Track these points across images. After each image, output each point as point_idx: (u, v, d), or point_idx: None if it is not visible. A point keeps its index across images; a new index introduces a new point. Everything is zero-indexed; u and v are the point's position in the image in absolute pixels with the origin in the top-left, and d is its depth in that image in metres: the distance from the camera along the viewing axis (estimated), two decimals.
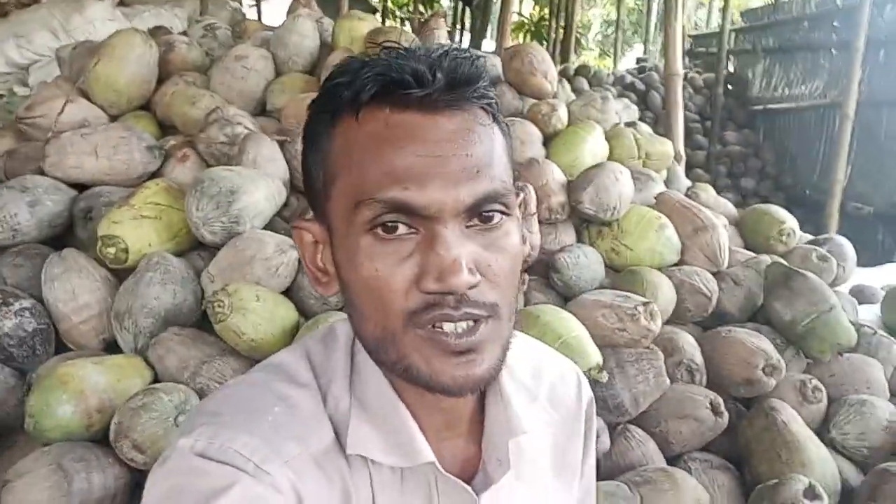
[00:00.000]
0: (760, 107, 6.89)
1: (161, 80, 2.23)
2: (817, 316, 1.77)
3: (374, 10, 8.21)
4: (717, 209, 2.38)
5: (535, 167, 1.97)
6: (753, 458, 1.52)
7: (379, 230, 0.56)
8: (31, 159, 1.79)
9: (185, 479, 0.54)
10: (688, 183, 2.73)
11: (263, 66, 2.21)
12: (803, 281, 1.82)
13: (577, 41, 8.81)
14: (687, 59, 8.08)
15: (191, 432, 0.57)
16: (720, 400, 1.56)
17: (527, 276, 1.85)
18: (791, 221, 2.28)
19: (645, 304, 1.60)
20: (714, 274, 1.96)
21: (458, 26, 8.21)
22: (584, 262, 1.81)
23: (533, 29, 9.10)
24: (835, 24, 6.00)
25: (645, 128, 2.64)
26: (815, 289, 1.81)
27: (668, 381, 1.54)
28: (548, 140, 2.23)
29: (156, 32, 5.05)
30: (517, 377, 0.68)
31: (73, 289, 1.52)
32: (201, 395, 1.36)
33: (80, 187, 1.76)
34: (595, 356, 1.48)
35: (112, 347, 1.55)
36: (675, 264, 1.98)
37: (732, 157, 6.63)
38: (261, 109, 2.22)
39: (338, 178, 0.59)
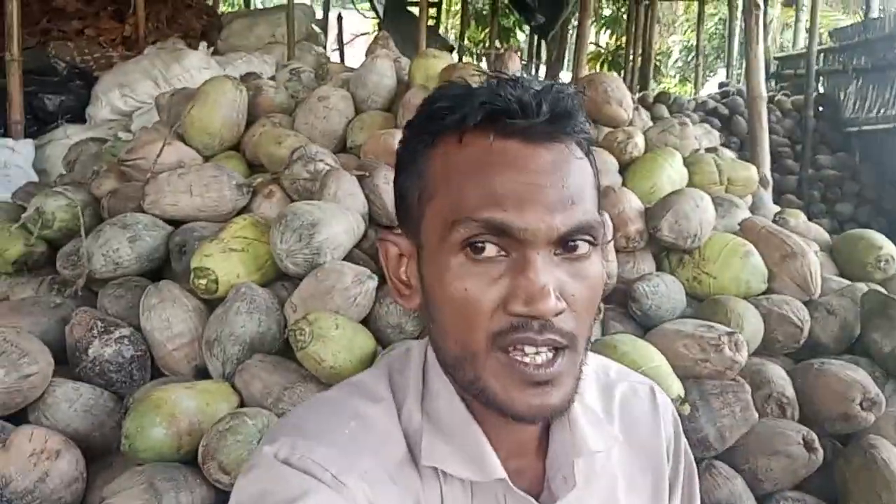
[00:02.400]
0: (855, 128, 6.56)
1: (250, 122, 2.36)
2: None
3: (450, 48, 8.41)
4: (807, 235, 2.27)
5: (612, 195, 1.95)
6: (851, 498, 1.42)
7: (471, 250, 0.58)
8: (132, 198, 1.93)
9: (269, 485, 0.57)
10: (775, 209, 2.63)
11: (344, 106, 2.30)
12: None
13: (657, 68, 8.70)
14: (773, 82, 7.80)
15: (274, 441, 0.60)
16: (814, 435, 1.47)
17: (603, 306, 1.82)
18: (889, 247, 2.15)
19: (730, 333, 1.54)
20: (806, 303, 1.87)
21: (535, 59, 8.27)
22: (664, 291, 1.77)
23: (610, 59, 9.06)
24: None
25: (727, 153, 2.57)
26: None
27: (756, 414, 1.47)
28: (624, 168, 2.21)
29: (247, 78, 5.37)
30: (584, 396, 0.68)
31: (168, 318, 1.61)
32: None
33: (176, 223, 1.88)
34: (676, 388, 1.44)
35: (202, 373, 1.63)
36: (763, 293, 1.90)
37: (827, 181, 6.30)
38: (342, 146, 2.31)
39: (435, 197, 0.61)
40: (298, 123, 2.28)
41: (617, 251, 1.88)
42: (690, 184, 2.22)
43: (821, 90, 7.20)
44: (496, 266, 0.58)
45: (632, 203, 1.94)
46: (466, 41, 9.07)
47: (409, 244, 0.65)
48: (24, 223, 1.88)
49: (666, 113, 6.77)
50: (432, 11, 8.43)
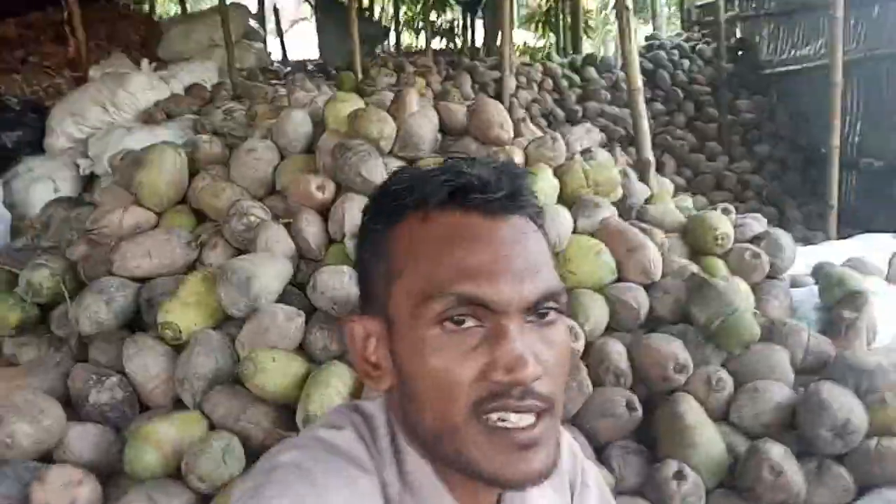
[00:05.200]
0: (770, 70, 7.01)
1: (193, 173, 2.78)
2: (723, 319, 2.17)
3: (385, 32, 8.64)
4: (662, 220, 2.75)
5: None
6: (659, 443, 1.96)
7: (447, 323, 0.60)
8: (102, 262, 2.37)
9: None
10: (647, 192, 3.10)
11: (270, 155, 2.72)
12: (710, 289, 2.22)
13: (588, 26, 9.03)
14: (697, 29, 8.19)
15: None
16: (635, 400, 2.00)
17: None
18: (725, 227, 2.64)
19: (570, 327, 2.05)
20: (648, 286, 2.38)
21: (468, 31, 8.54)
22: None
23: (543, 19, 9.37)
24: None
25: (601, 155, 3.02)
26: (721, 295, 2.20)
27: (590, 388, 1.99)
28: None
29: (192, 90, 5.67)
30: None
31: (146, 363, 2.08)
32: (241, 435, 1.89)
33: (142, 279, 2.33)
34: None
35: (178, 403, 2.11)
36: (616, 280, 2.40)
37: (745, 124, 6.76)
38: (272, 189, 2.74)
39: (403, 275, 0.63)
40: (233, 174, 2.70)
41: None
42: (562, 190, 2.69)
43: (738, 35, 7.62)
44: (473, 337, 0.60)
45: None
46: (402, 17, 9.31)
47: (378, 324, 0.66)
48: (19, 295, 2.31)
49: (595, 74, 7.17)
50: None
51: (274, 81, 6.85)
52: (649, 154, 3.54)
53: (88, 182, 5.23)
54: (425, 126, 2.74)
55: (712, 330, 2.20)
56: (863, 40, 5.67)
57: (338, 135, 2.68)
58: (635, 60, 3.56)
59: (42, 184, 5.01)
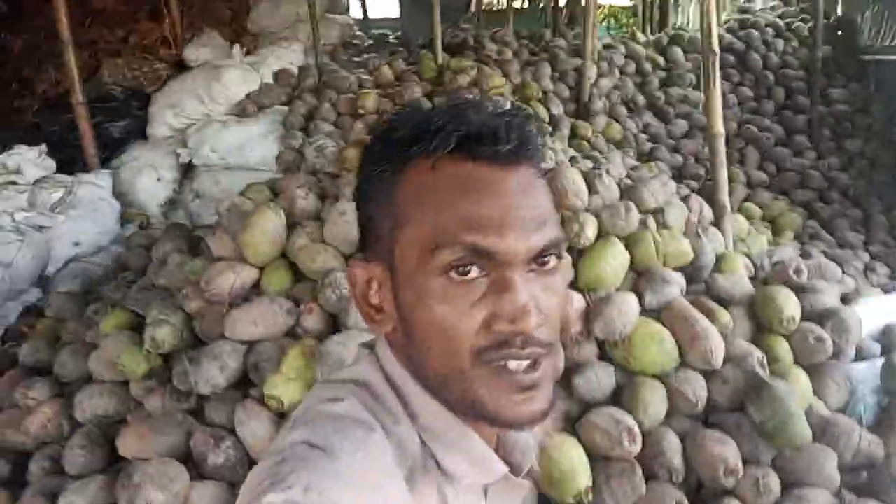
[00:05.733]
0: (869, 57, 6.60)
1: (290, 225, 3.04)
2: (777, 422, 2.31)
3: (467, 4, 8.52)
4: (733, 291, 2.84)
5: None
6: None
7: (453, 273, 0.61)
8: (216, 322, 2.69)
9: None
10: (720, 242, 3.16)
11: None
12: (769, 390, 2.36)
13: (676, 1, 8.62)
14: (796, 2, 7.73)
15: (286, 486, 0.58)
16: (684, 499, 2.20)
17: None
18: (790, 309, 2.71)
19: (629, 429, 2.25)
20: (708, 373, 2.53)
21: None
22: (594, 381, 2.46)
23: None
24: None
25: (673, 214, 3.08)
26: (778, 399, 2.33)
27: (643, 488, 2.20)
28: (578, 253, 2.81)
29: (280, 77, 5.90)
30: None
31: (254, 429, 2.42)
32: None
33: (249, 342, 2.65)
34: (584, 480, 2.17)
35: None
36: (677, 365, 2.56)
37: (837, 116, 6.47)
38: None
39: (410, 223, 0.64)
40: (327, 234, 2.95)
41: (563, 345, 2.55)
42: (632, 262, 2.82)
43: (839, 12, 7.16)
44: (477, 287, 0.62)
45: (574, 305, 2.58)
46: None
47: (380, 270, 0.68)
48: (146, 348, 2.68)
49: (680, 56, 6.96)
50: None
51: (355, 59, 7.00)
52: (725, 199, 3.56)
53: (187, 169, 5.62)
54: None
55: (766, 429, 2.35)
56: None
57: None
58: (718, 105, 3.50)
59: (146, 172, 5.44)
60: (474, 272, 0.62)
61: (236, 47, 6.17)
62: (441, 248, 0.62)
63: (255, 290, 2.86)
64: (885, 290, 4.17)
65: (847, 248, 5.16)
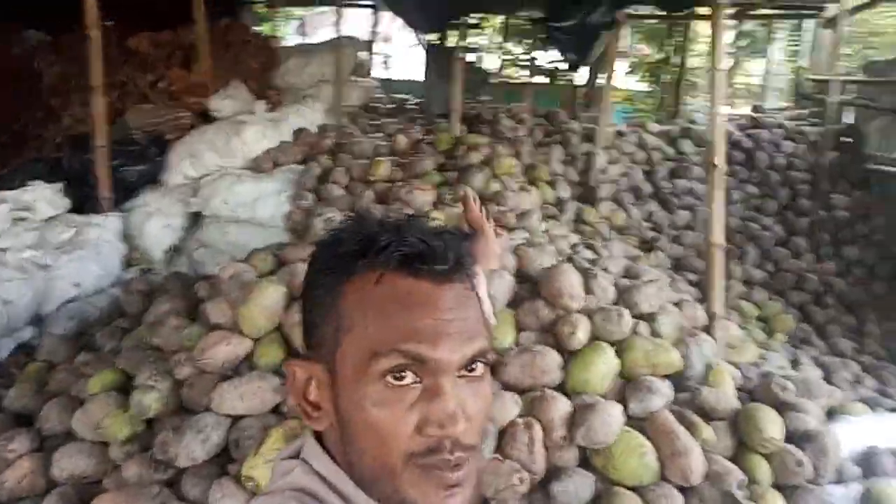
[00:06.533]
0: (875, 166, 6.74)
1: (290, 298, 3.09)
2: None
3: (486, 78, 8.79)
4: (717, 405, 2.86)
5: (545, 402, 2.62)
6: None
7: (390, 377, 0.67)
8: (204, 393, 2.72)
9: None
10: (711, 352, 3.19)
11: None
12: None
13: (691, 83, 8.88)
14: (807, 106, 7.92)
15: None
16: None
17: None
18: (772, 430, 2.72)
19: None
20: (686, 489, 2.53)
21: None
22: (573, 490, 2.46)
23: (649, 71, 9.25)
24: None
25: (666, 324, 3.13)
26: None
27: None
28: (569, 354, 2.85)
29: (299, 136, 6.04)
30: None
31: None
32: None
33: (234, 417, 2.67)
34: None
35: None
36: (656, 480, 2.56)
37: (838, 222, 6.54)
38: None
39: (352, 330, 0.69)
40: None
41: (546, 448, 2.56)
42: (622, 366, 2.85)
43: (849, 121, 7.33)
44: (411, 392, 0.67)
45: (560, 412, 2.60)
46: (506, 54, 9.39)
47: (320, 370, 0.73)
48: (130, 414, 2.70)
49: (690, 148, 7.11)
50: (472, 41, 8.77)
51: (374, 123, 7.19)
52: (718, 307, 3.61)
53: (195, 218, 5.71)
54: (500, 288, 2.95)
55: None
56: None
57: None
58: (720, 217, 3.59)
59: (156, 218, 5.54)
60: (409, 378, 0.67)
61: (260, 103, 6.36)
62: (380, 356, 0.67)
63: (247, 361, 2.90)
64: (871, 405, 4.16)
65: (838, 355, 5.15)
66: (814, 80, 7.97)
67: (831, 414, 3.46)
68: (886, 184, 6.63)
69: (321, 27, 12.80)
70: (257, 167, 5.73)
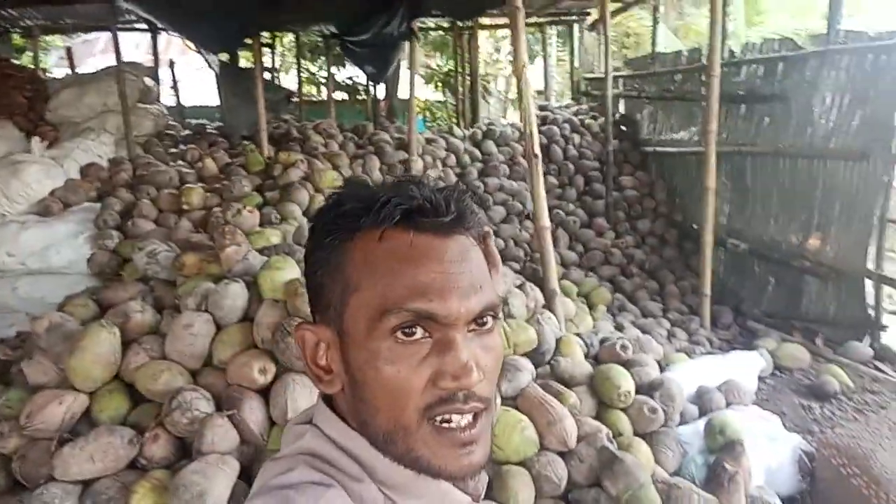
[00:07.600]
0: (650, 148, 7.65)
1: (125, 343, 2.77)
2: (632, 492, 2.50)
3: (290, 95, 8.62)
4: (574, 372, 3.07)
5: None
6: None
7: (399, 334, 0.66)
8: (41, 464, 2.35)
9: None
10: (557, 327, 3.41)
11: (206, 329, 2.78)
12: (620, 464, 2.55)
13: (485, 89, 9.46)
14: (585, 101, 8.78)
15: None
16: None
17: None
18: (626, 384, 2.99)
19: None
20: (565, 453, 2.68)
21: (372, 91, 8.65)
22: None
23: (442, 78, 9.70)
24: (702, 78, 6.75)
25: (517, 304, 3.30)
26: (629, 470, 2.53)
27: None
28: None
29: (89, 171, 5.47)
30: None
31: None
32: None
33: (85, 482, 2.33)
34: None
35: None
36: (538, 450, 2.68)
37: (629, 200, 7.35)
38: (208, 361, 2.79)
39: (360, 289, 0.69)
40: (168, 349, 2.73)
41: None
42: None
43: (622, 111, 8.26)
44: (422, 347, 0.66)
45: None
46: (303, 72, 9.30)
47: (329, 333, 0.72)
48: None
49: (494, 149, 7.55)
50: (266, 61, 8.56)
51: (172, 151, 6.72)
52: (555, 284, 3.87)
53: None
54: None
55: (622, 501, 2.51)
56: (731, 133, 6.34)
57: (275, 307, 2.78)
58: (543, 204, 3.86)
59: None
60: (419, 333, 0.67)
61: (35, 140, 5.64)
62: (388, 312, 0.66)
63: (86, 417, 2.56)
64: (688, 353, 4.72)
65: (650, 316, 5.78)
66: (588, 79, 8.86)
67: (660, 366, 3.86)
68: (660, 162, 7.56)
69: (89, 56, 11.72)
70: (44, 210, 5.08)
